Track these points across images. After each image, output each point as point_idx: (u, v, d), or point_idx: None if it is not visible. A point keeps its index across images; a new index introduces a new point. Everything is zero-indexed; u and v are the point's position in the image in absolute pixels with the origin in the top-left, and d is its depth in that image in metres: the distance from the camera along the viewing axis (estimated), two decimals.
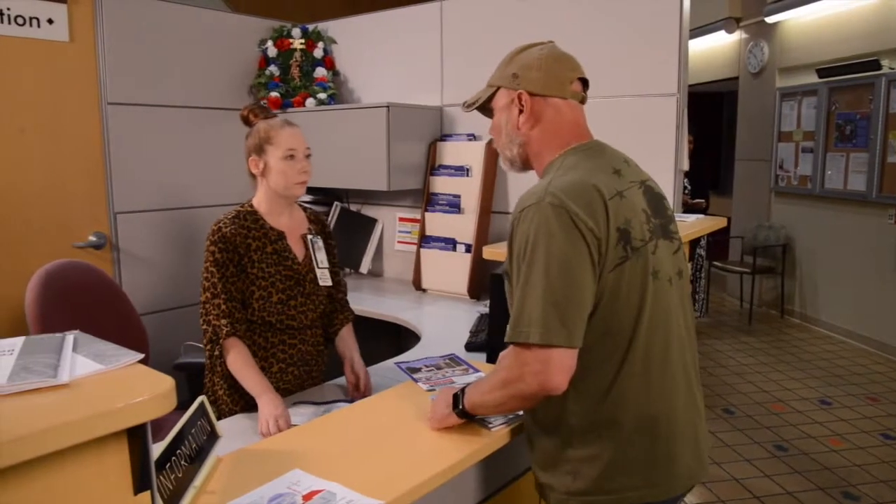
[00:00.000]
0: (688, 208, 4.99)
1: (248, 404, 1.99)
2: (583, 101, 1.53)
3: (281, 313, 2.00)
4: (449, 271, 3.34)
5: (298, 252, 2.09)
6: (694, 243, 5.60)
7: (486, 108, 1.59)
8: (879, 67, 5.30)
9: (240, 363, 1.91)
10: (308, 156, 2.05)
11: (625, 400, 1.35)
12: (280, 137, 2.00)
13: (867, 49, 5.47)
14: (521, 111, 1.49)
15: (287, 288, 2.01)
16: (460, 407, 1.49)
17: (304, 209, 2.22)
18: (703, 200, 6.08)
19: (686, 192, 5.59)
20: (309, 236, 2.13)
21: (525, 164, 1.56)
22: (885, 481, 3.37)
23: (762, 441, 3.84)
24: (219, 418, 2.02)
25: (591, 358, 1.33)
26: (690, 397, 1.45)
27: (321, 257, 2.14)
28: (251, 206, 2.08)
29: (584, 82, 1.54)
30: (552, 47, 1.52)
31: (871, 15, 5.48)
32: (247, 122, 2.09)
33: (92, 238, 3.29)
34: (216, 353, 1.95)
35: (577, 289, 1.27)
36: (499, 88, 1.53)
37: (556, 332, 1.25)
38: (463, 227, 3.33)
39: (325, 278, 2.12)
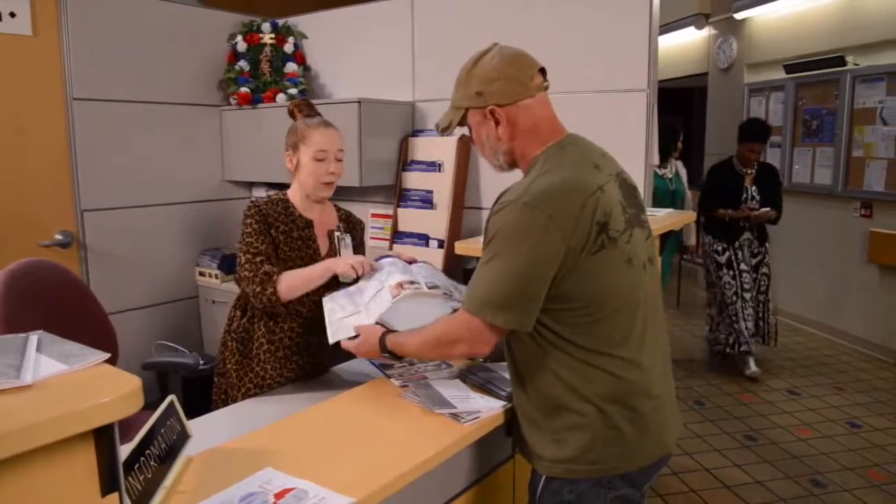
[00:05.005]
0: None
1: (255, 377, 2.10)
2: (545, 88, 1.58)
3: (297, 300, 2.04)
4: None
5: (322, 246, 2.15)
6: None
7: (461, 124, 1.63)
8: (844, 64, 5.40)
9: (293, 279, 1.96)
10: (340, 158, 2.12)
11: (609, 375, 1.44)
12: (313, 138, 2.07)
13: (832, 45, 5.56)
14: (497, 123, 1.54)
15: None
16: (387, 353, 1.70)
17: (338, 209, 2.29)
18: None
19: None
20: (337, 233, 2.19)
21: (512, 166, 1.63)
22: (851, 468, 3.44)
23: (732, 431, 3.89)
24: (225, 392, 2.14)
25: (580, 336, 1.44)
26: (666, 374, 1.57)
27: (346, 254, 2.18)
28: (284, 195, 2.14)
29: (542, 70, 1.58)
30: (501, 50, 1.55)
31: (836, 12, 5.57)
32: (292, 116, 2.17)
33: (58, 236, 3.24)
34: (234, 322, 2.09)
35: (527, 283, 1.39)
36: (468, 109, 1.57)
37: (497, 313, 1.41)
38: (435, 222, 3.33)
39: (346, 277, 2.12)
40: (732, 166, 4.73)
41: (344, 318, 1.85)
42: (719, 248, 4.71)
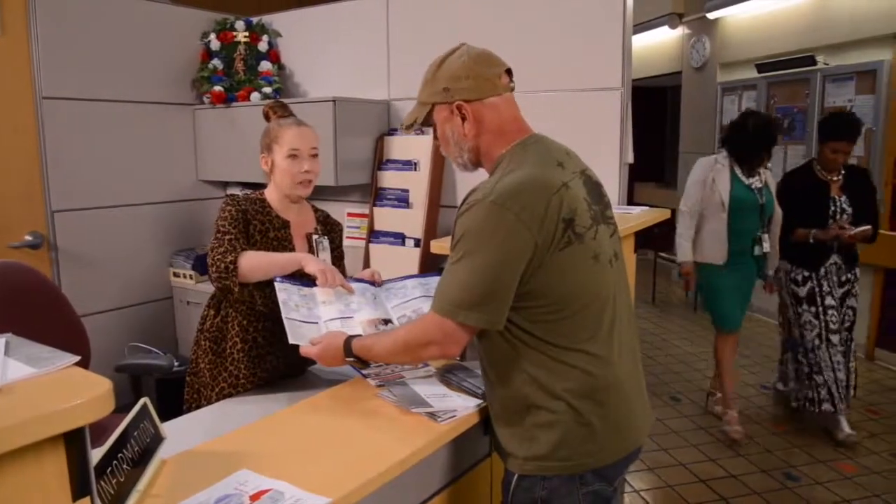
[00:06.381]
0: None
1: (229, 377, 2.07)
2: (512, 89, 1.59)
3: (267, 297, 2.02)
4: (398, 266, 3.33)
5: (299, 247, 2.13)
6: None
7: (426, 122, 1.63)
8: (814, 63, 5.48)
9: (258, 257, 1.94)
10: (314, 156, 2.10)
11: (579, 371, 1.45)
12: (285, 137, 2.06)
13: (803, 45, 5.64)
14: (464, 119, 1.54)
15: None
16: (353, 358, 1.69)
17: (316, 210, 2.26)
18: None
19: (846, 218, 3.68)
20: (315, 236, 2.18)
21: (476, 165, 1.63)
22: (824, 461, 3.50)
23: (707, 426, 3.94)
24: (198, 392, 2.12)
25: (549, 333, 1.45)
26: (635, 368, 1.58)
27: (324, 257, 2.17)
28: (261, 194, 2.12)
29: (508, 71, 1.59)
30: (468, 49, 1.56)
31: (807, 13, 5.66)
32: (267, 118, 2.15)
33: (28, 238, 3.18)
34: (207, 321, 2.06)
35: (497, 281, 1.40)
36: (434, 105, 1.58)
37: (469, 313, 1.42)
38: (412, 221, 3.33)
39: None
40: (813, 173, 3.72)
41: (300, 323, 1.84)
42: (799, 278, 3.74)
